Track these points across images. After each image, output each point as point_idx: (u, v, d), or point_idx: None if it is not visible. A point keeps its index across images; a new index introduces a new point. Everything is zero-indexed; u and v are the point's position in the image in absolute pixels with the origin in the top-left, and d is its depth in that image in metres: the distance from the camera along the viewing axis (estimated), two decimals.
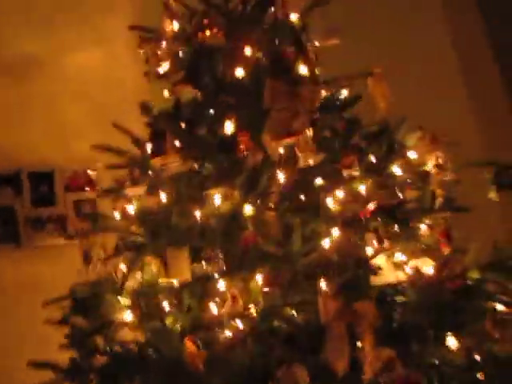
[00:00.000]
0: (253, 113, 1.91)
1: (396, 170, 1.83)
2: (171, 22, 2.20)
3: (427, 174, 1.89)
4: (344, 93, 2.29)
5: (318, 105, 1.80)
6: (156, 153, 1.84)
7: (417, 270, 1.95)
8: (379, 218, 1.71)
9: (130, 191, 1.94)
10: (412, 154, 1.89)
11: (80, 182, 3.01)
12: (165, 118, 1.97)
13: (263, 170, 1.79)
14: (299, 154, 1.76)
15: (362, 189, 1.77)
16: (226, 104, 1.96)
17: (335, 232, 1.82)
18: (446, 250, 1.92)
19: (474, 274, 2.09)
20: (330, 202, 1.77)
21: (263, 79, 1.99)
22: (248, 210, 1.77)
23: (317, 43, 2.42)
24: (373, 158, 1.99)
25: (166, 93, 2.14)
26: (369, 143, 1.95)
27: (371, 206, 1.72)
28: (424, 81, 4.18)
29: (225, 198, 1.77)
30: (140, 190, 1.96)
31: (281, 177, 1.78)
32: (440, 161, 1.92)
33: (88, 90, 3.15)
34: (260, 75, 1.99)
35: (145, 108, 2.03)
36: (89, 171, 3.03)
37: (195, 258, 1.88)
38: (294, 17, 2.38)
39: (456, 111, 4.21)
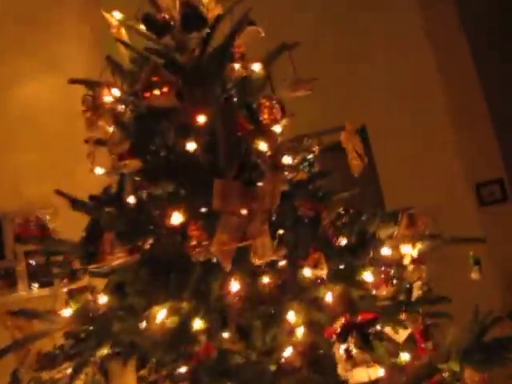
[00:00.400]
0: (206, 200, 1.63)
1: (367, 276, 1.57)
2: (114, 80, 1.88)
3: (403, 267, 1.64)
4: (311, 157, 2.01)
5: (278, 202, 1.51)
6: (94, 254, 1.56)
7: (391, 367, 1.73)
8: (349, 338, 1.45)
9: (68, 287, 1.67)
10: (386, 251, 1.63)
11: (32, 231, 2.71)
12: (102, 210, 1.67)
13: (214, 276, 1.53)
14: (255, 258, 1.49)
15: (329, 298, 1.52)
16: (177, 189, 1.67)
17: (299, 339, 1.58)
18: (422, 349, 1.69)
19: (454, 366, 1.88)
20: (291, 312, 1.51)
21: (218, 155, 1.72)
22: (198, 324, 1.51)
23: (284, 94, 2.16)
24: (343, 242, 1.74)
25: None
26: (337, 233, 1.68)
27: (339, 323, 1.46)
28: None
29: (172, 312, 1.51)
30: (81, 283, 1.69)
31: (234, 285, 1.52)
32: (416, 249, 1.66)
33: (40, 126, 2.80)
34: (215, 151, 1.71)
35: (76, 204, 1.72)
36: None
37: (142, 367, 1.63)
38: (256, 67, 2.08)
39: (431, 107, 3.99)
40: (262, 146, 1.66)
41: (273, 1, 3.64)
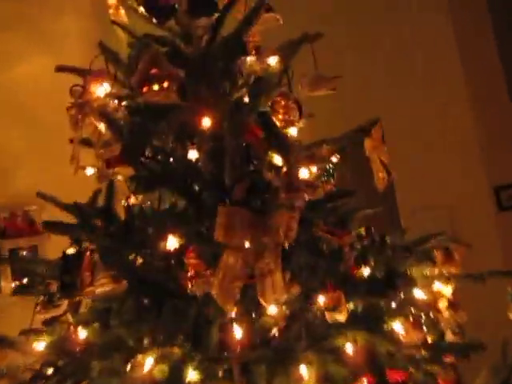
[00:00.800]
0: (208, 220, 1.33)
1: (397, 326, 1.28)
2: (108, 71, 1.57)
3: (438, 311, 1.35)
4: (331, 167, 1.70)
5: (295, 235, 1.21)
6: (70, 285, 1.27)
7: None
8: None
9: (44, 314, 1.39)
10: (419, 293, 1.34)
11: (19, 226, 2.41)
12: (86, 225, 1.38)
13: (213, 316, 1.24)
14: (263, 299, 1.20)
15: (349, 349, 1.23)
16: (173, 204, 1.37)
17: None
18: None
19: None
20: (303, 366, 1.23)
21: (224, 167, 1.41)
22: (192, 375, 1.23)
23: (303, 92, 1.84)
24: (365, 273, 1.44)
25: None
26: (358, 260, 1.38)
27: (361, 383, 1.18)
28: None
29: (161, 357, 1.23)
30: (58, 311, 1.41)
31: (237, 331, 1.23)
32: (451, 288, 1.37)
33: (30, 112, 2.47)
34: (220, 161, 1.41)
35: (50, 225, 1.42)
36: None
37: None
38: (272, 60, 1.76)
39: (452, 104, 3.65)
40: (277, 159, 1.36)
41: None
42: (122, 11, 1.92)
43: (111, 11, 1.86)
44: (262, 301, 1.20)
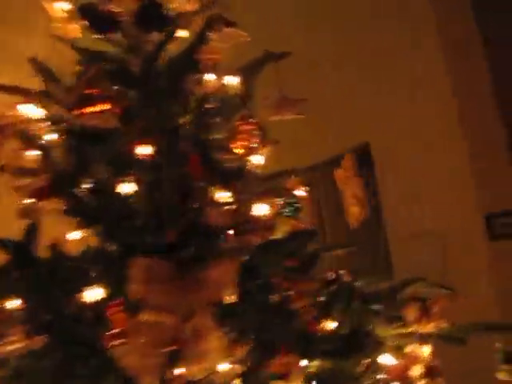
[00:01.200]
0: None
1: None
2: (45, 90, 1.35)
3: (409, 380, 1.10)
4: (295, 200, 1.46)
5: (233, 291, 0.97)
6: None
7: None
8: None
9: None
10: (388, 359, 1.09)
11: None
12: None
13: None
14: (190, 369, 0.96)
15: None
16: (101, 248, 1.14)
17: None
18: None
19: None
20: None
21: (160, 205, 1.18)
22: None
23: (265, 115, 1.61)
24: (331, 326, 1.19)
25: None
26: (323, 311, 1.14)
27: None
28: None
29: None
30: None
31: None
32: (427, 349, 1.12)
33: None
34: (157, 198, 1.18)
35: None
36: None
37: None
38: (232, 80, 1.54)
39: (444, 129, 3.42)
40: (221, 195, 1.13)
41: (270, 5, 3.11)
42: (74, 25, 1.72)
43: (56, 24, 1.65)
44: (187, 371, 0.96)
